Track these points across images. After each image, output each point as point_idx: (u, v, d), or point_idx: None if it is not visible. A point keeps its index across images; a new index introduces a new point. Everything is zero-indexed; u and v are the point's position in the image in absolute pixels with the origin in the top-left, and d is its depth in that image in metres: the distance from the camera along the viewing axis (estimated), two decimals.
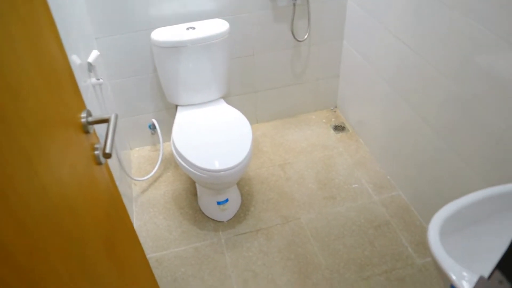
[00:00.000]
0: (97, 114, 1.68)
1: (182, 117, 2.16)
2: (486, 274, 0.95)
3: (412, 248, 1.96)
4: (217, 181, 1.85)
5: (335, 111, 2.82)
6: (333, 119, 2.76)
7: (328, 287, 1.82)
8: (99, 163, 1.00)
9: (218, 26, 2.10)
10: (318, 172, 2.38)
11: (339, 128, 2.69)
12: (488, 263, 1.07)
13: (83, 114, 0.96)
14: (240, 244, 2.03)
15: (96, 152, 1.01)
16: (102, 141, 1.05)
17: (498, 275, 0.52)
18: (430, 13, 1.74)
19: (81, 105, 0.98)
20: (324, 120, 2.75)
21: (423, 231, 2.03)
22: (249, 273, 1.90)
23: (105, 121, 0.97)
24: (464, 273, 0.92)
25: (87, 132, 0.96)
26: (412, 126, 2.02)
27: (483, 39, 1.49)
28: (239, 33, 2.32)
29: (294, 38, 2.38)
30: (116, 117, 0.98)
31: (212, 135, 2.00)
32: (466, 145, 1.68)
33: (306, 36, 2.40)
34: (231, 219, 2.15)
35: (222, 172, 1.81)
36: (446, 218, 1.02)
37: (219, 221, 2.14)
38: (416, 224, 2.07)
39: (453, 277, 0.91)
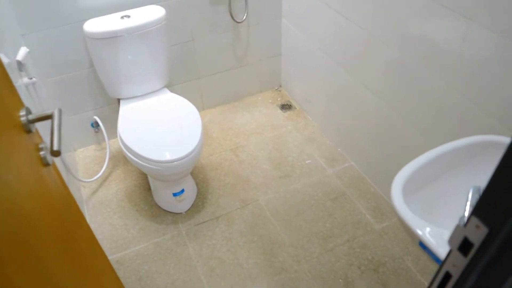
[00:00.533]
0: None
1: (126, 110, 2.07)
2: (448, 227, 0.98)
3: (370, 214, 2.02)
4: (171, 172, 1.80)
5: (280, 90, 2.83)
6: (279, 99, 2.76)
7: (295, 264, 1.84)
8: (46, 164, 0.93)
9: (153, 13, 2.02)
10: (271, 152, 2.38)
11: (286, 106, 2.69)
12: (448, 216, 1.11)
13: (22, 113, 0.88)
14: (202, 234, 1.99)
15: (41, 153, 0.93)
16: (46, 141, 0.97)
17: (475, 220, 0.53)
18: None
19: (18, 103, 0.90)
20: (270, 100, 2.75)
21: (378, 197, 2.09)
22: (215, 261, 1.88)
23: (48, 117, 0.90)
24: (429, 228, 0.95)
25: (28, 131, 0.89)
26: (356, 96, 2.06)
27: (417, 4, 1.53)
28: (176, 18, 2.25)
29: (233, 19, 2.34)
30: (60, 112, 0.90)
31: (160, 125, 1.94)
32: (410, 108, 1.74)
33: (244, 17, 2.37)
34: (189, 209, 2.10)
35: (175, 162, 1.76)
36: (407, 179, 1.04)
37: (177, 213, 2.09)
38: (371, 191, 2.13)
39: (420, 233, 0.93)
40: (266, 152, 2.38)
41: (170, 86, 2.47)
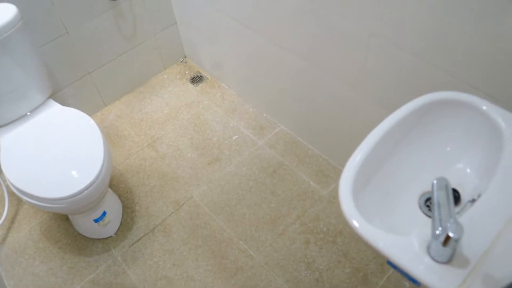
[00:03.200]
0: None
1: (8, 140, 1.71)
2: (411, 222, 0.81)
3: (314, 180, 1.86)
4: (81, 205, 1.51)
5: (186, 62, 2.52)
6: (187, 72, 2.46)
7: (249, 259, 1.67)
8: None
9: (2, 15, 1.62)
10: (192, 137, 2.12)
11: (196, 79, 2.41)
12: (406, 199, 0.95)
13: None
14: (140, 254, 1.75)
15: None
16: None
17: None
18: None
19: None
20: (177, 76, 2.45)
21: (317, 158, 1.93)
22: (163, 282, 1.66)
23: None
24: (393, 240, 0.77)
25: None
26: (268, 53, 1.82)
27: None
28: (37, 12, 1.85)
29: None
30: None
31: (53, 150, 1.61)
32: (325, 57, 1.54)
33: None
34: (118, 229, 1.84)
35: (82, 193, 1.47)
36: (353, 180, 0.85)
37: (107, 238, 1.83)
38: (309, 154, 1.96)
39: (385, 251, 0.75)
40: (187, 138, 2.12)
41: (58, 91, 2.10)
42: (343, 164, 1.81)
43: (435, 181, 0.75)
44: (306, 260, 1.64)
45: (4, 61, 1.63)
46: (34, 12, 1.83)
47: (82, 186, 1.47)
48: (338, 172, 1.87)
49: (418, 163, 0.98)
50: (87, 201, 1.51)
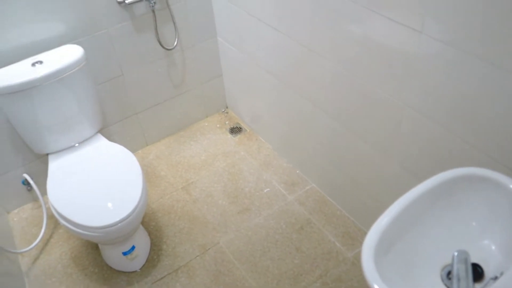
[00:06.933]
0: None
1: (55, 167, 1.83)
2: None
3: (339, 241, 1.88)
4: (114, 236, 1.58)
5: (227, 113, 2.64)
6: (227, 122, 2.58)
7: None
8: None
9: (70, 54, 1.79)
10: (225, 184, 2.19)
11: (235, 130, 2.52)
12: (428, 270, 0.97)
13: None
14: None
15: None
16: None
17: None
18: None
19: None
20: (218, 125, 2.56)
21: (345, 220, 1.95)
22: None
23: None
24: None
25: None
26: (305, 112, 1.91)
27: (348, 10, 1.40)
28: (99, 54, 2.02)
29: (163, 47, 2.13)
30: None
31: (96, 182, 1.71)
32: (360, 121, 1.60)
33: (175, 43, 2.17)
34: (144, 265, 1.89)
35: (118, 225, 1.54)
36: (376, 245, 0.88)
37: (132, 272, 1.87)
38: (337, 214, 1.98)
39: None
40: (220, 186, 2.19)
41: (106, 127, 2.23)
42: (370, 227, 1.83)
43: (455, 253, 0.77)
44: None
45: (65, 94, 1.78)
46: (96, 54, 2.01)
47: (118, 218, 1.55)
48: (364, 235, 1.88)
49: (443, 235, 1.01)
50: (120, 233, 1.58)
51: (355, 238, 1.88)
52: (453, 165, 1.30)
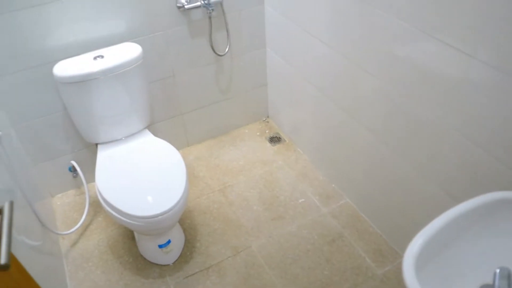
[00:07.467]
0: (1, 179, 1.41)
1: (104, 157, 1.93)
2: None
3: (370, 257, 1.89)
4: (154, 227, 1.65)
5: (267, 122, 2.70)
6: (267, 131, 2.63)
7: None
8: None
9: (130, 51, 1.89)
10: (261, 191, 2.24)
11: (274, 139, 2.57)
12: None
13: None
14: (192, 287, 1.84)
15: None
16: None
17: None
18: (346, 11, 1.66)
19: None
20: (258, 133, 2.62)
21: (378, 238, 1.96)
22: None
23: None
24: None
25: None
26: (345, 127, 1.94)
27: (400, 31, 1.44)
28: (154, 54, 2.12)
29: (215, 53, 2.22)
30: (11, 206, 0.76)
31: (141, 174, 1.79)
32: (404, 144, 1.62)
33: (227, 50, 2.25)
34: (177, 260, 1.95)
35: (159, 217, 1.61)
36: (418, 253, 0.91)
37: (164, 265, 1.94)
38: (370, 231, 2.00)
39: None
40: (256, 192, 2.24)
41: (152, 124, 2.33)
42: (401, 247, 1.84)
43: (497, 270, 0.79)
44: None
45: (120, 89, 1.87)
46: (152, 53, 2.11)
47: (160, 210, 1.61)
48: (395, 255, 1.88)
49: (480, 255, 1.02)
50: (160, 225, 1.64)
51: (386, 256, 1.88)
52: (492, 188, 1.31)
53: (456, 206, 1.03)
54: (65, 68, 1.80)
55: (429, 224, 1.00)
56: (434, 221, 1.00)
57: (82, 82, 1.78)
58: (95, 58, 1.85)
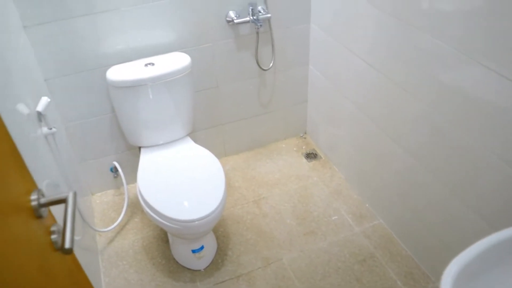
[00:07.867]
0: (51, 172, 1.50)
1: (147, 159, 2.00)
2: None
3: (401, 280, 1.87)
4: (191, 231, 1.70)
5: (305, 138, 2.73)
6: (303, 147, 2.66)
7: None
8: (59, 249, 0.84)
9: (179, 61, 1.97)
10: (295, 205, 2.26)
11: (311, 155, 2.59)
12: None
13: (34, 196, 0.80)
14: None
15: (53, 237, 0.85)
16: (60, 220, 0.89)
17: None
18: (392, 33, 1.68)
19: (30, 185, 0.82)
20: (295, 148, 2.65)
21: (410, 261, 1.95)
22: None
23: (62, 201, 0.82)
24: None
25: (39, 216, 0.80)
26: (383, 149, 1.95)
27: (446, 56, 1.45)
28: (201, 64, 2.20)
29: (259, 67, 2.28)
30: (75, 195, 0.82)
31: (181, 179, 1.85)
32: (443, 169, 1.62)
33: (271, 65, 2.31)
34: (208, 266, 1.99)
35: (196, 222, 1.66)
36: (455, 278, 0.92)
37: (196, 270, 1.98)
38: (402, 254, 1.98)
39: None
40: (290, 206, 2.26)
41: (193, 132, 2.40)
42: (433, 272, 1.82)
43: None
44: None
45: (166, 97, 1.95)
46: (199, 64, 2.18)
47: (198, 216, 1.66)
48: (427, 279, 1.86)
49: None
50: (197, 229, 1.69)
51: (417, 281, 1.86)
52: None
53: (495, 233, 1.03)
54: (117, 73, 1.89)
55: (466, 250, 1.00)
56: (471, 246, 1.00)
57: (133, 87, 1.87)
58: (146, 65, 1.94)
